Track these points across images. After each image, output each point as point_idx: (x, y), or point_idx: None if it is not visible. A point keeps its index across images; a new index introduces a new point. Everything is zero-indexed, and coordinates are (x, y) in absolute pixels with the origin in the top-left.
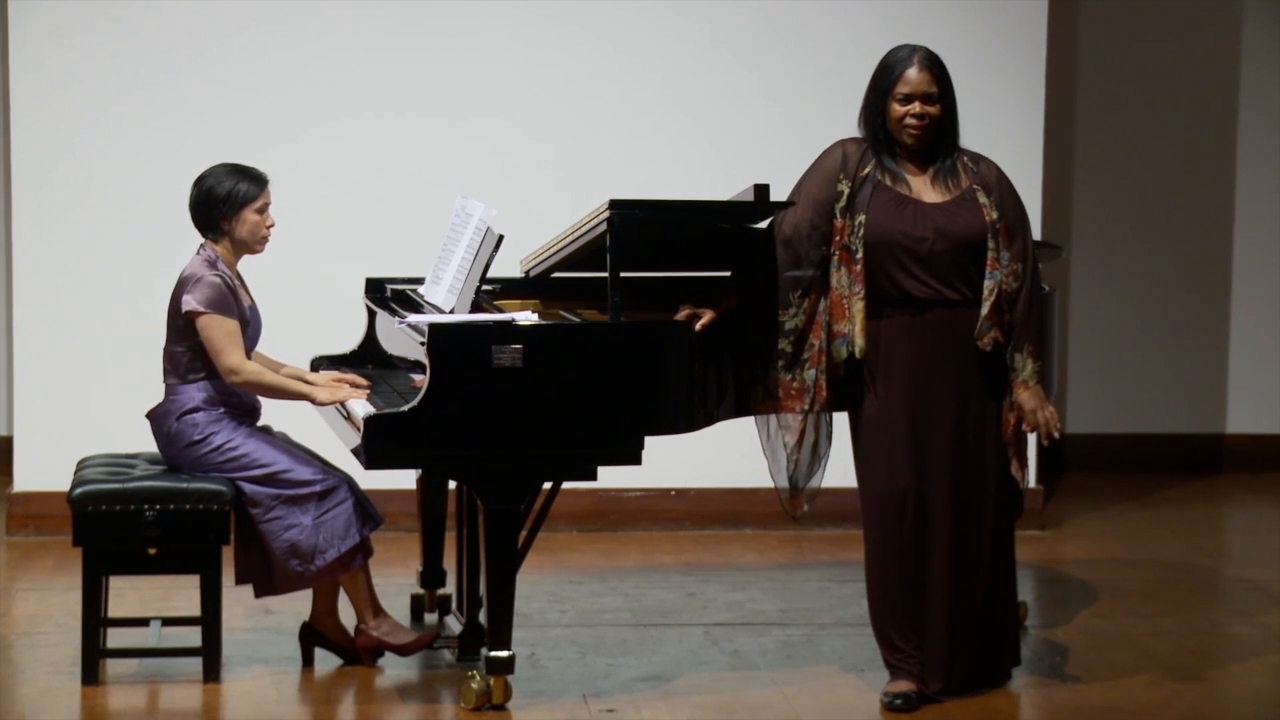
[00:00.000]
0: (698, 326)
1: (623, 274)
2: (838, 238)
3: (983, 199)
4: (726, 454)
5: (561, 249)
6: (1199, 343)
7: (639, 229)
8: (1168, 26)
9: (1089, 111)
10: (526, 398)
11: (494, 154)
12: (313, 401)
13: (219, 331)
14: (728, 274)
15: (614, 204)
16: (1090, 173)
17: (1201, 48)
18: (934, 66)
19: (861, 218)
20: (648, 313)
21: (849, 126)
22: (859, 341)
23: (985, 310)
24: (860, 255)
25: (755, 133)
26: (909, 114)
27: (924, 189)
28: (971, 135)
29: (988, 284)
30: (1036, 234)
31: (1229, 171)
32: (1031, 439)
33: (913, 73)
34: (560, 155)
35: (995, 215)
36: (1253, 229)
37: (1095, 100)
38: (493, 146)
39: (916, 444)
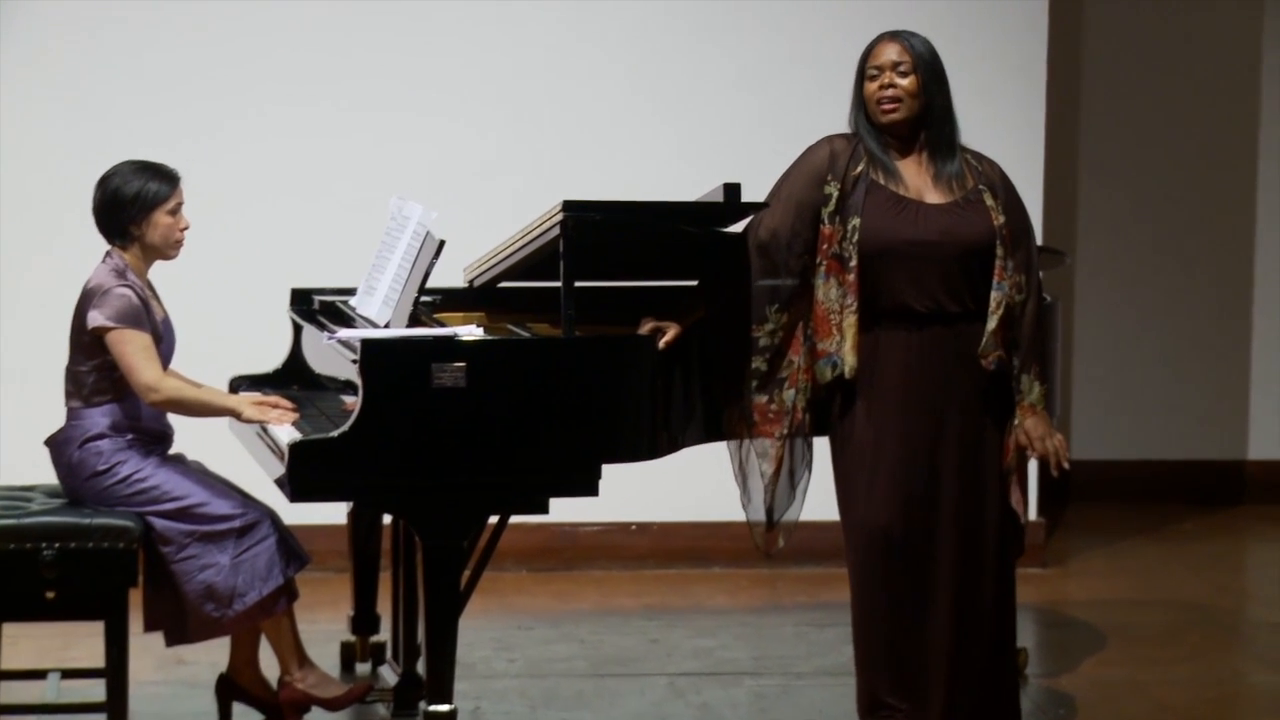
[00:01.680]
0: (661, 342)
1: (578, 284)
2: (825, 246)
3: (989, 200)
4: (693, 484)
5: (509, 256)
6: (1217, 359)
7: (595, 233)
8: (1181, 12)
9: (1095, 104)
10: (470, 421)
11: (434, 151)
12: (238, 417)
13: (132, 347)
14: (695, 284)
15: (568, 205)
16: (1096, 172)
17: (1219, 35)
18: (907, 40)
19: (855, 221)
20: (606, 327)
21: (832, 122)
22: (850, 360)
23: (992, 325)
24: (854, 264)
25: (726, 128)
26: (879, 87)
27: (925, 188)
28: (966, 131)
29: (995, 295)
30: (1038, 240)
31: (1249, 171)
32: (1033, 468)
33: (883, 46)
34: (508, 152)
35: (1001, 219)
36: (1276, 234)
37: (1102, 92)
38: (433, 142)
39: (909, 472)
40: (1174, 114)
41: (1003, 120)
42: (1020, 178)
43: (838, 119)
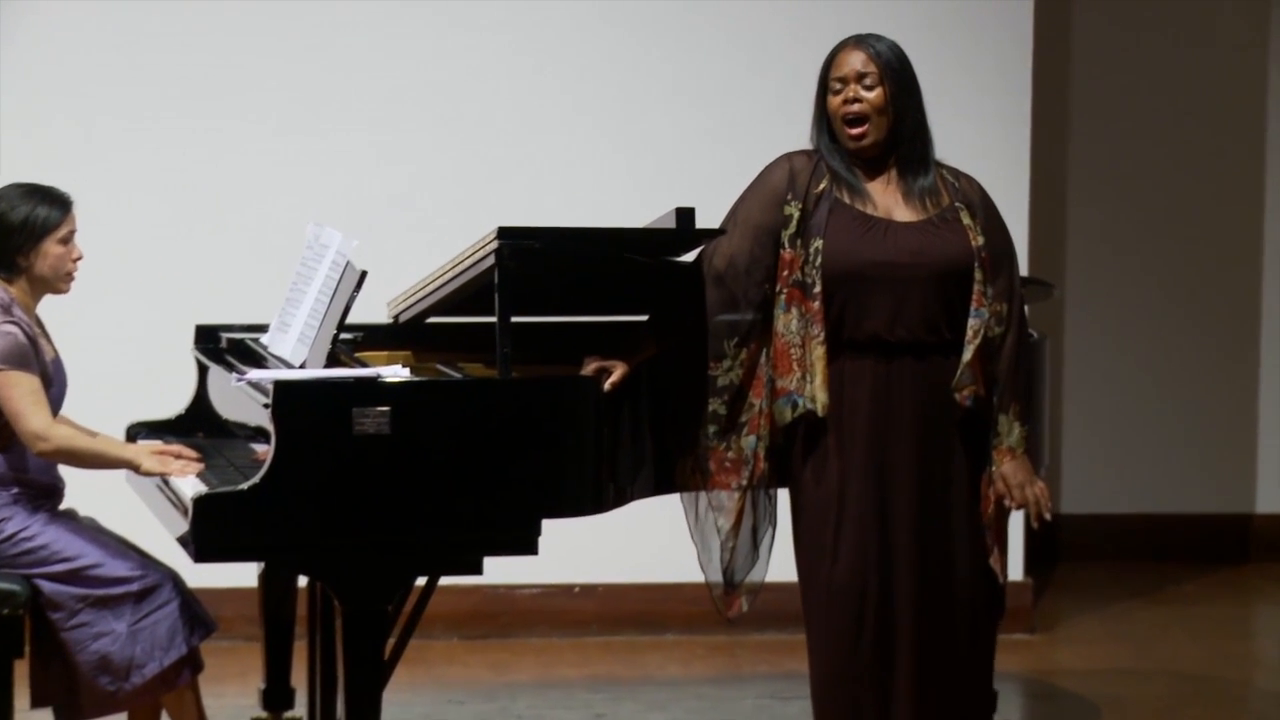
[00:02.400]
0: (607, 384)
1: (514, 319)
2: (786, 272)
3: (966, 219)
4: (644, 541)
5: (438, 288)
6: (1221, 402)
7: (534, 263)
8: (1180, 20)
9: (1084, 121)
10: (395, 472)
11: (354, 174)
12: (136, 470)
13: (19, 390)
14: (645, 318)
15: (503, 232)
16: (1087, 196)
17: (1221, 50)
18: (872, 47)
19: (817, 243)
20: (546, 367)
21: (794, 139)
22: (821, 397)
23: (967, 356)
24: (818, 290)
25: (678, 147)
26: (842, 101)
27: (894, 206)
28: (944, 151)
29: (972, 323)
30: (1023, 268)
31: (1255, 195)
32: (1016, 520)
33: (845, 54)
34: (435, 175)
35: (981, 240)
36: None
37: (1091, 109)
38: (353, 165)
39: (879, 524)
40: (1172, 134)
41: (984, 138)
42: (1004, 201)
43: (801, 136)
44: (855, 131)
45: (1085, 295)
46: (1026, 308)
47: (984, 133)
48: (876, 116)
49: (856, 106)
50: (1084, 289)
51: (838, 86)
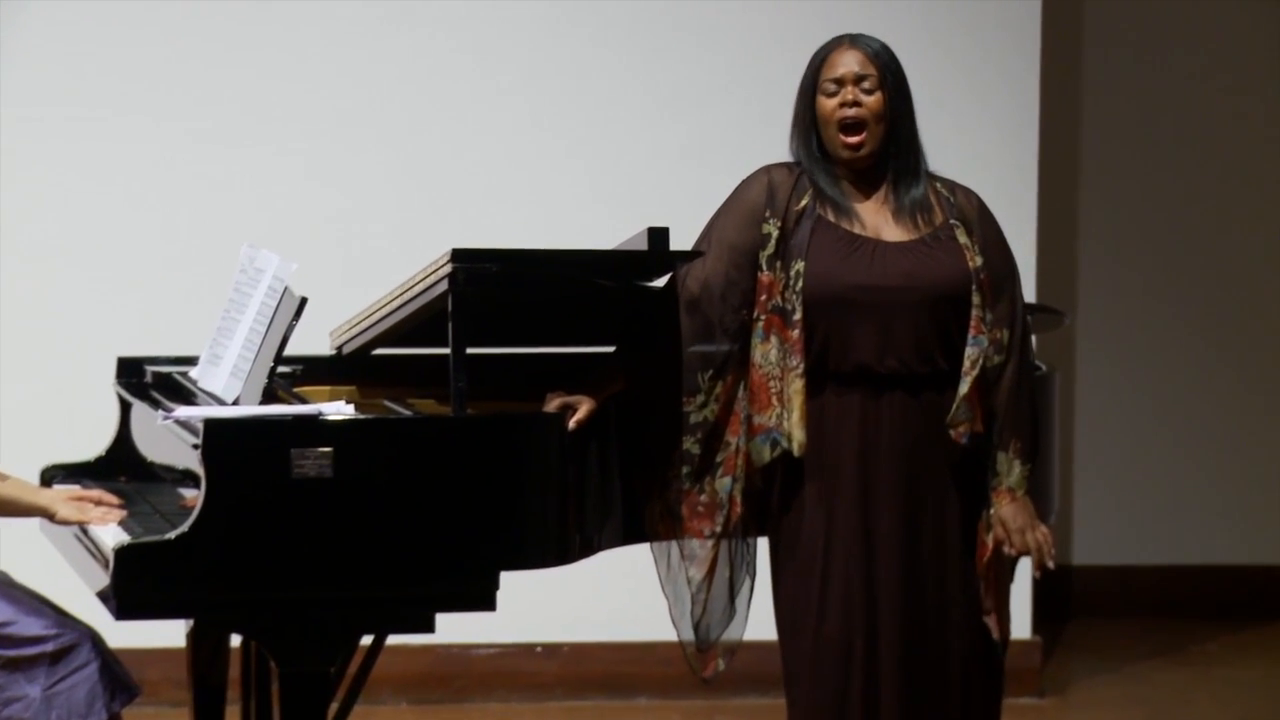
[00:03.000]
0: (572, 422)
1: (470, 350)
2: (764, 297)
3: (962, 238)
4: (612, 596)
5: (385, 317)
6: (1248, 444)
7: (491, 288)
8: (1198, 31)
9: (1097, 131)
10: (338, 520)
11: (293, 188)
12: (51, 518)
13: None
14: (612, 349)
15: (458, 255)
16: (1102, 213)
17: (1243, 60)
18: (870, 47)
19: (799, 265)
20: (504, 403)
21: (776, 151)
22: (798, 435)
23: (964, 388)
24: (799, 317)
25: (650, 160)
26: (840, 104)
27: (883, 224)
28: (941, 161)
29: (969, 352)
30: (1029, 294)
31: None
32: (1023, 573)
33: (840, 54)
34: (383, 193)
35: (979, 261)
36: None
37: (1105, 122)
38: (292, 179)
39: (867, 577)
40: (1195, 146)
41: (986, 148)
42: (1008, 218)
43: (785, 149)
44: (853, 139)
45: (1099, 325)
46: (1034, 338)
47: (986, 142)
48: (875, 124)
49: (855, 111)
50: (1098, 318)
51: (832, 88)
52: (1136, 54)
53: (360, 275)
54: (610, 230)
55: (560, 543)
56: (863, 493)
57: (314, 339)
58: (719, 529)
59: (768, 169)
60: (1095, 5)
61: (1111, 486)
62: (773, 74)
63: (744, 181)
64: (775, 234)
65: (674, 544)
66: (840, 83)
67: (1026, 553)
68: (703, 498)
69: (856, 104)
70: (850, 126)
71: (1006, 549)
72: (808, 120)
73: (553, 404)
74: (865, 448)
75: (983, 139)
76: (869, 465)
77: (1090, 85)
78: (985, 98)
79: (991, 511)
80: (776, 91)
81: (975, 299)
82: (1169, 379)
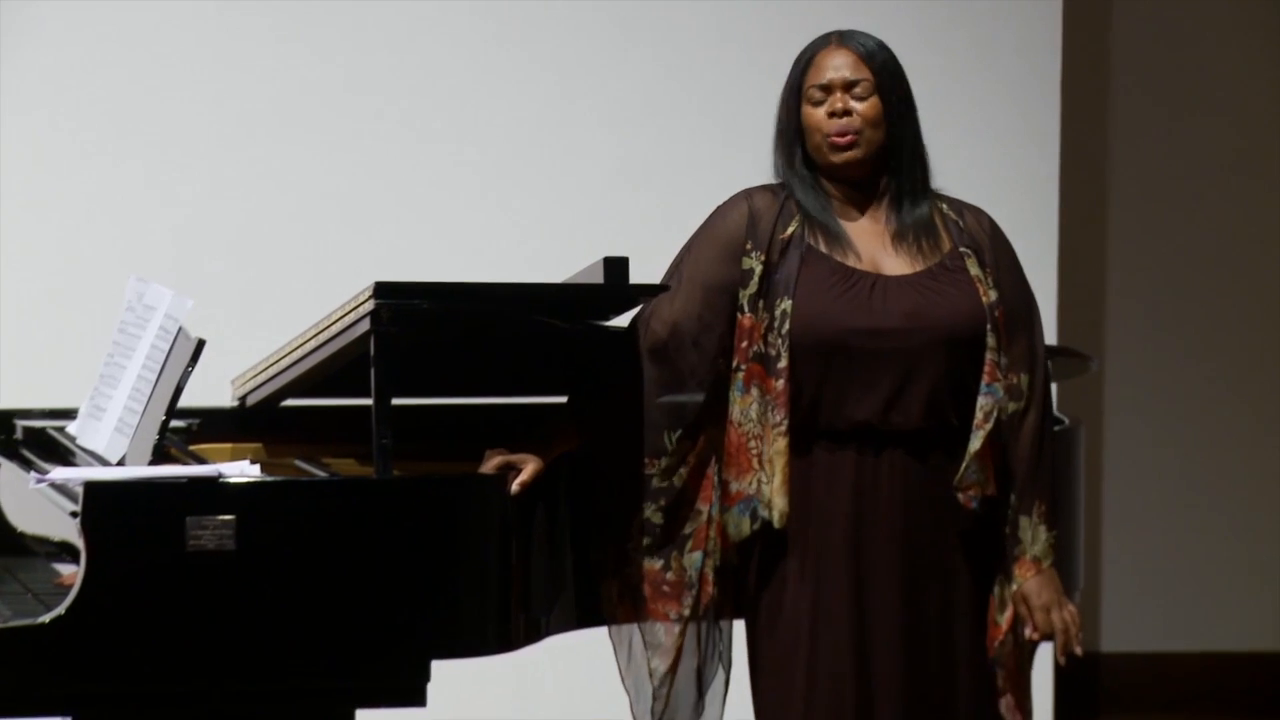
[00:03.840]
0: (515, 484)
1: (396, 401)
2: (745, 343)
3: (973, 268)
4: (562, 688)
5: (296, 362)
6: None
7: (421, 328)
8: (1235, 76)
9: (1127, 144)
10: (241, 600)
11: (187, 214)
12: None
13: None
14: (563, 400)
15: (381, 289)
16: (1133, 242)
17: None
18: (863, 46)
19: (785, 305)
20: (436, 463)
21: (756, 171)
22: (779, 503)
23: (976, 444)
24: (784, 364)
25: (609, 182)
26: (828, 114)
27: (881, 253)
28: (948, 179)
29: (983, 403)
30: (1049, 333)
31: None
32: (1044, 658)
33: (828, 55)
34: (293, 215)
35: (993, 295)
36: None
37: (1134, 126)
38: (185, 202)
39: (861, 669)
40: (1242, 163)
41: (1000, 168)
42: (1024, 245)
43: (765, 167)
44: (843, 156)
45: (1131, 371)
46: (1054, 385)
47: (1000, 159)
48: (870, 131)
49: (845, 120)
50: (1130, 363)
51: (819, 95)
52: (1166, 97)
53: (266, 313)
54: (561, 262)
55: (501, 626)
56: (855, 570)
57: (213, 388)
58: (687, 611)
59: (748, 193)
60: (1122, 46)
61: (1145, 561)
62: (751, 83)
63: (720, 208)
64: (758, 270)
65: (635, 630)
66: (828, 89)
67: (1051, 635)
68: (668, 575)
69: (847, 112)
70: (840, 139)
71: (1028, 631)
72: (792, 132)
73: (492, 464)
74: (860, 517)
75: (994, 149)
76: (864, 538)
77: (1116, 84)
78: (996, 104)
79: (1013, 586)
80: (755, 102)
81: (990, 340)
82: (1210, 438)
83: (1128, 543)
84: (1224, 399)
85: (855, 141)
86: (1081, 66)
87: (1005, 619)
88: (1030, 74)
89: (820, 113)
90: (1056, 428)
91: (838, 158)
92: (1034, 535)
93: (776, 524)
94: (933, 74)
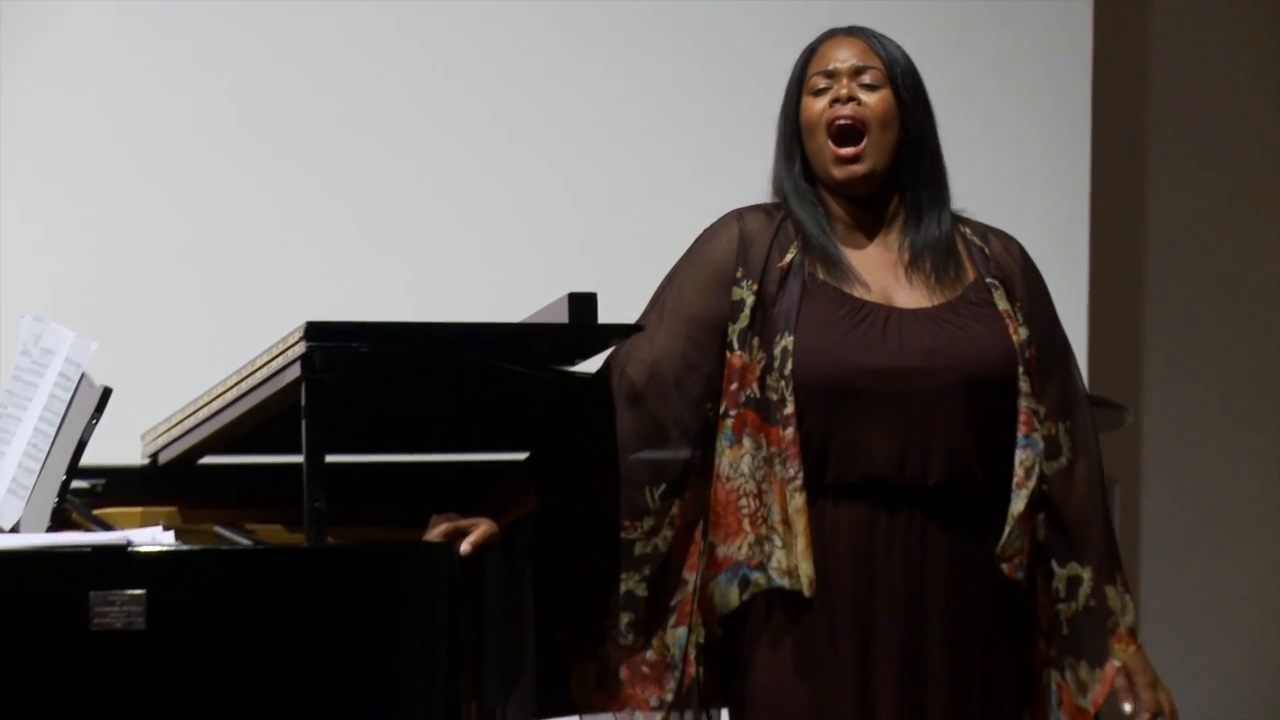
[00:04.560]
0: (464, 545)
1: (330, 458)
2: (734, 386)
3: (1001, 301)
4: None
5: (215, 414)
6: None
7: (359, 375)
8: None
9: (1164, 161)
10: (152, 685)
11: (93, 243)
12: None
13: None
14: (524, 456)
15: (313, 330)
16: (1173, 278)
17: None
18: (874, 38)
19: (786, 342)
20: (375, 528)
21: (750, 188)
22: (805, 569)
23: (1018, 506)
24: (791, 410)
25: (576, 203)
26: (830, 102)
27: (893, 283)
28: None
29: (1022, 457)
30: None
31: None
32: None
33: (833, 43)
34: (216, 246)
35: (1025, 332)
36: None
37: (1172, 178)
38: (92, 230)
39: None
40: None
41: (1024, 192)
42: (1054, 277)
43: (759, 184)
44: (847, 150)
45: (1172, 423)
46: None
47: (1023, 183)
48: (879, 131)
49: (850, 109)
50: (1170, 413)
51: (822, 84)
52: (1203, 141)
53: (182, 357)
54: (522, 298)
55: (449, 714)
56: (863, 655)
57: (122, 443)
58: (669, 697)
59: (739, 214)
60: (1159, 87)
61: (1188, 638)
62: (744, 91)
63: (707, 231)
64: (750, 301)
65: (610, 719)
66: (832, 76)
67: (1158, 714)
68: (649, 655)
69: (853, 99)
70: (844, 132)
71: (1128, 708)
72: (790, 135)
73: (438, 530)
74: (870, 586)
75: (1018, 179)
76: (875, 613)
77: (1151, 126)
78: (1024, 116)
79: (1116, 664)
80: (747, 111)
81: (1023, 384)
82: (1258, 498)
83: (1167, 616)
84: (1274, 456)
85: (861, 151)
86: (1114, 105)
87: (1093, 699)
88: (1059, 105)
89: (820, 104)
90: None
91: (841, 172)
92: (1123, 604)
93: (807, 592)
94: (954, 93)
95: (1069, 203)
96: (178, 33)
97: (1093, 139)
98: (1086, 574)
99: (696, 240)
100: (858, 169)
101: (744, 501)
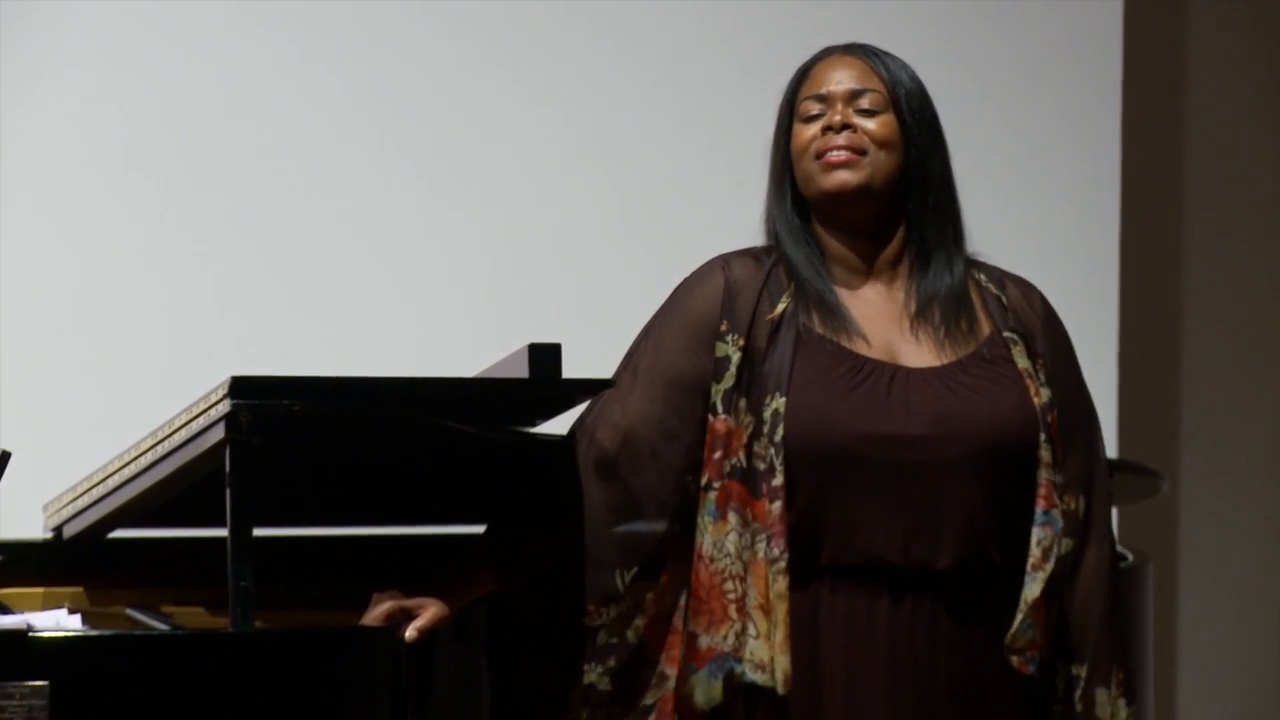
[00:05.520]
0: (410, 630)
1: (258, 531)
2: (719, 454)
3: (1021, 359)
4: None
5: (129, 481)
6: None
7: (290, 436)
8: None
9: (1204, 218)
10: None
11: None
12: None
13: None
14: (481, 530)
15: (239, 386)
16: (1213, 329)
17: None
18: (875, 56)
19: (777, 404)
20: (309, 611)
21: (742, 231)
22: (781, 662)
23: (1033, 592)
24: (780, 481)
25: (535, 247)
26: (823, 129)
27: (898, 337)
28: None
29: (1039, 536)
30: (1109, 445)
31: None
32: None
33: (828, 64)
34: (129, 288)
35: (1047, 394)
36: None
37: (1214, 199)
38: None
39: None
40: None
41: (1041, 237)
42: (1078, 331)
43: (751, 226)
44: (836, 179)
45: (1210, 492)
46: (1114, 509)
47: (1040, 225)
48: (877, 152)
49: (845, 138)
50: (1207, 482)
51: (814, 110)
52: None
53: (92, 416)
54: (480, 348)
55: None
56: None
57: (23, 515)
58: None
59: (724, 260)
60: (1194, 145)
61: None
62: (742, 112)
63: (688, 281)
64: (736, 358)
65: None
66: (826, 100)
67: None
68: None
69: (847, 127)
70: (835, 160)
71: None
72: (782, 170)
73: (380, 611)
74: (869, 682)
75: (1039, 210)
76: (875, 713)
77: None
78: (1044, 146)
79: None
80: (738, 135)
81: (1044, 453)
82: None
83: (1206, 698)
84: None
85: (857, 162)
86: (1147, 136)
87: None
88: (1085, 133)
89: (810, 130)
90: (1120, 564)
91: (830, 180)
92: (1113, 712)
93: (780, 689)
94: (965, 121)
95: (1095, 244)
96: (66, 81)
97: (1123, 171)
98: (1081, 673)
99: (676, 290)
100: (850, 178)
101: (730, 585)
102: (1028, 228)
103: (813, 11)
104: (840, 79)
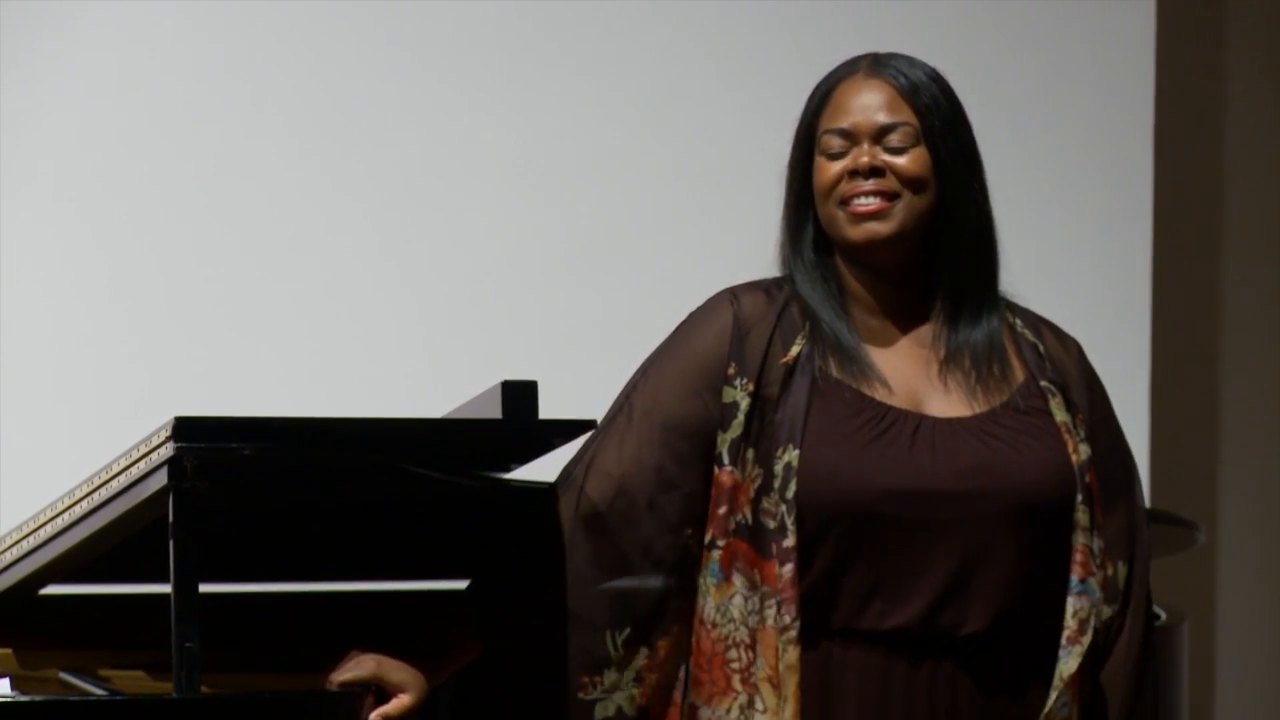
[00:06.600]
0: (376, 716)
1: (205, 587)
2: (723, 509)
3: (1059, 412)
4: None
5: (61, 532)
6: None
7: (240, 483)
8: None
9: (1241, 246)
10: None
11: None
12: None
13: None
14: (459, 588)
15: (183, 429)
16: (1252, 371)
17: None
18: (903, 75)
19: (790, 456)
20: (263, 675)
21: (753, 263)
22: None
23: (1069, 666)
24: (792, 542)
25: (508, 275)
26: (850, 169)
27: (925, 384)
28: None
29: (1075, 606)
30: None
31: None
32: None
33: (852, 88)
34: (59, 327)
35: (1085, 451)
36: None
37: (1256, 228)
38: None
39: None
40: None
41: (1069, 266)
42: (1110, 375)
43: (763, 257)
44: (865, 230)
45: (1249, 544)
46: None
47: (1064, 259)
48: (909, 196)
49: (873, 184)
50: (1247, 533)
51: (837, 146)
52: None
53: (21, 466)
54: (455, 384)
55: None
56: None
57: None
58: None
59: (733, 294)
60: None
61: None
62: (748, 131)
63: (693, 316)
64: (745, 405)
65: None
66: (850, 136)
67: None
68: None
69: (876, 171)
70: (865, 209)
71: None
72: (798, 198)
73: (343, 674)
74: None
75: (1067, 248)
76: None
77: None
78: (1070, 172)
79: None
80: (750, 153)
81: (1081, 515)
82: None
83: None
84: None
85: (888, 209)
86: (1180, 162)
87: None
88: (1116, 164)
89: (836, 169)
90: (1153, 623)
91: (857, 232)
92: None
93: None
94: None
95: (1126, 282)
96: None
97: (1154, 205)
98: None
99: (680, 326)
100: (880, 229)
101: (734, 653)
102: (1052, 259)
103: (824, 20)
104: (866, 108)
